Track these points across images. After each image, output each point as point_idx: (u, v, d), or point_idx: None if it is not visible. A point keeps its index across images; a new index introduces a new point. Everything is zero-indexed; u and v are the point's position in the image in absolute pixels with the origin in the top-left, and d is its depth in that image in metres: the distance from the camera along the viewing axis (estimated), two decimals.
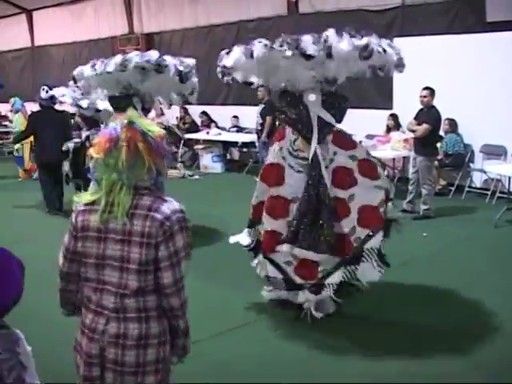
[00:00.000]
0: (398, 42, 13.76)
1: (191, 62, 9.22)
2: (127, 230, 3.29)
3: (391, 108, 14.16)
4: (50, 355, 5.40)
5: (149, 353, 3.37)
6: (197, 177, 16.20)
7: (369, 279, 6.68)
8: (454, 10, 13.56)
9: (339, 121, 7.16)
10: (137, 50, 21.21)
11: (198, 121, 19.08)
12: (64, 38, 24.99)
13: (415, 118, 11.26)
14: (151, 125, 3.38)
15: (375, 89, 14.88)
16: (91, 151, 3.35)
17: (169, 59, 8.81)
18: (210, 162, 17.37)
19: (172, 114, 19.44)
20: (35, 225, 11.40)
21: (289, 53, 6.09)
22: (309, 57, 6.11)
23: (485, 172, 12.64)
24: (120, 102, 8.98)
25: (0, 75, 26.53)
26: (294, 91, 6.66)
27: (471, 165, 13.16)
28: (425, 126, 10.96)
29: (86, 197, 3.44)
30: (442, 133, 12.42)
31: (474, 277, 8.21)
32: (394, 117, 13.97)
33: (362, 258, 6.58)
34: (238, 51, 6.87)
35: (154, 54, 8.74)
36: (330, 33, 6.17)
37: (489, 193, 12.50)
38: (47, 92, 11.88)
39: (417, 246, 9.61)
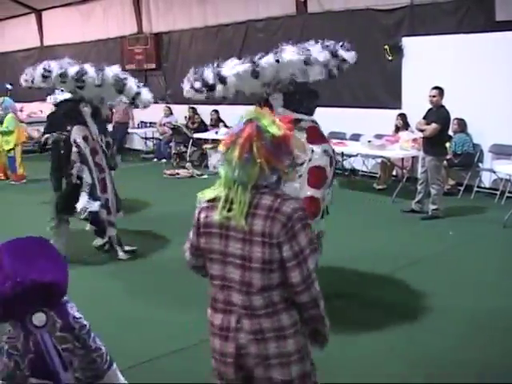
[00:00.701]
0: (407, 41, 13.88)
1: (116, 70, 9.45)
2: (247, 230, 3.26)
3: (400, 108, 14.13)
4: None
5: (289, 343, 3.36)
6: (205, 176, 16.20)
7: None
8: (462, 9, 13.50)
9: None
10: (145, 49, 21.39)
11: (207, 120, 19.08)
12: (73, 37, 25.01)
13: (424, 118, 11.24)
14: (274, 124, 3.28)
15: (384, 88, 14.87)
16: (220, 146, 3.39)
17: (90, 72, 8.93)
18: (218, 161, 17.36)
19: (181, 114, 19.48)
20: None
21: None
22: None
23: (494, 172, 12.60)
24: (68, 106, 9.37)
25: (9, 75, 26.67)
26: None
27: (480, 165, 13.11)
28: (434, 125, 10.93)
29: (208, 193, 3.48)
30: (450, 132, 12.40)
31: (483, 277, 8.19)
32: (402, 116, 13.95)
33: None
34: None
35: (72, 69, 8.86)
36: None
37: (498, 193, 12.45)
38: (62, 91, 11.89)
39: (425, 246, 9.60)
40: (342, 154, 14.88)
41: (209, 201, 3.44)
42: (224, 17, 18.91)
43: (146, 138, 21.24)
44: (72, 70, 8.82)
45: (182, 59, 20.05)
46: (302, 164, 6.70)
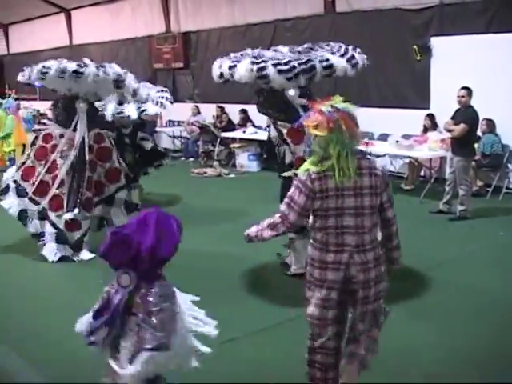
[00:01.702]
0: (436, 41, 13.81)
1: (117, 69, 9.50)
2: (358, 186, 4.53)
3: (428, 108, 14.06)
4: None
5: (381, 268, 4.71)
6: (233, 175, 16.23)
7: None
8: (492, 8, 13.41)
9: None
10: (174, 48, 21.45)
11: (236, 119, 19.11)
12: (102, 36, 25.17)
13: (452, 118, 11.17)
14: (347, 104, 4.72)
15: (412, 88, 14.82)
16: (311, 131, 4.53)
17: (90, 67, 9.11)
18: (246, 160, 17.38)
19: (209, 113, 19.53)
20: None
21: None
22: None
23: None
24: (64, 102, 9.71)
25: None
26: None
27: (509, 165, 13.03)
28: (462, 126, 10.87)
29: (311, 167, 4.53)
30: (479, 133, 12.33)
31: (510, 279, 8.14)
32: (430, 117, 13.87)
33: None
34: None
35: (70, 65, 9.05)
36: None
37: None
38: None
39: (453, 247, 9.56)
40: (370, 154, 14.82)
41: (318, 173, 4.49)
42: (252, 16, 18.93)
43: (174, 137, 21.28)
44: (71, 65, 9.03)
45: (210, 58, 19.99)
46: None
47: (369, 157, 4.76)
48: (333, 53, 7.99)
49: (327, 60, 7.74)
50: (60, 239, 9.45)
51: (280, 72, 7.46)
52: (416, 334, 6.53)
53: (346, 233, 4.55)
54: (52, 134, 9.94)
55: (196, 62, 21.29)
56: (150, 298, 3.92)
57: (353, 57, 8.03)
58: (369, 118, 15.20)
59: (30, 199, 9.58)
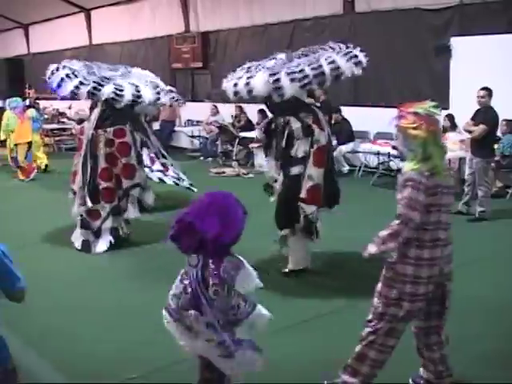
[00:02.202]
0: (456, 41, 13.74)
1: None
2: (450, 185, 4.99)
3: (448, 108, 13.99)
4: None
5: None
6: (251, 175, 16.22)
7: None
8: None
9: None
10: (192, 48, 21.48)
11: (254, 119, 19.11)
12: (121, 36, 25.27)
13: (472, 119, 11.12)
14: (425, 105, 4.94)
15: (432, 89, 14.75)
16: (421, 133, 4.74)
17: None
18: (264, 160, 17.33)
19: (227, 113, 19.53)
20: None
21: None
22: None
23: None
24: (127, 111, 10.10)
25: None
26: None
27: None
28: (482, 126, 10.81)
29: (419, 166, 4.73)
30: (499, 134, 12.26)
31: None
32: (450, 117, 13.80)
33: None
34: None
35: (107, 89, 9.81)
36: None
37: None
38: None
39: (472, 248, 9.49)
40: (389, 155, 14.80)
41: (427, 171, 4.71)
42: (271, 16, 18.93)
43: (193, 137, 21.32)
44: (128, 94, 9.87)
45: (229, 58, 20.10)
46: None
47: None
48: (338, 53, 8.19)
49: (333, 62, 7.88)
50: (83, 225, 9.95)
51: (293, 80, 7.65)
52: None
53: (440, 228, 4.86)
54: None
55: (215, 61, 21.32)
56: (223, 273, 4.26)
57: (356, 56, 8.16)
58: (388, 119, 15.26)
59: None
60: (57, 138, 22.88)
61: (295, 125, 8.08)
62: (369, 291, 7.67)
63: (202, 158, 19.75)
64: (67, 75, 9.93)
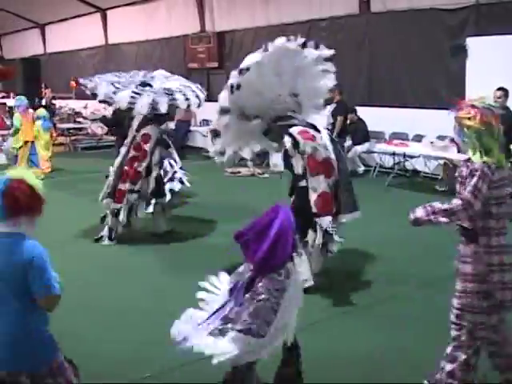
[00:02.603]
0: (472, 41, 13.69)
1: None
2: (509, 176, 5.03)
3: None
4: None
5: None
6: (266, 175, 16.22)
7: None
8: None
9: None
10: (208, 48, 21.51)
11: None
12: (137, 36, 25.34)
13: None
14: (484, 99, 5.40)
15: (447, 89, 14.71)
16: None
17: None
18: (279, 160, 17.31)
19: None
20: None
21: None
22: None
23: None
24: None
25: (74, 73, 27.12)
26: None
27: None
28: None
29: (485, 159, 4.87)
30: None
31: None
32: None
33: None
34: None
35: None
36: None
37: None
38: None
39: None
40: (404, 155, 14.78)
41: (494, 163, 4.87)
42: (287, 16, 18.91)
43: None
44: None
45: (245, 58, 20.13)
46: None
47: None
48: None
49: None
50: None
51: None
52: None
53: (501, 220, 4.96)
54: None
55: (230, 61, 21.30)
56: (259, 289, 4.51)
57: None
58: (403, 119, 15.25)
59: None
60: (72, 138, 22.96)
61: (287, 143, 8.01)
62: (382, 292, 7.70)
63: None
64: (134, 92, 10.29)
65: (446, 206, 4.89)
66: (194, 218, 11.73)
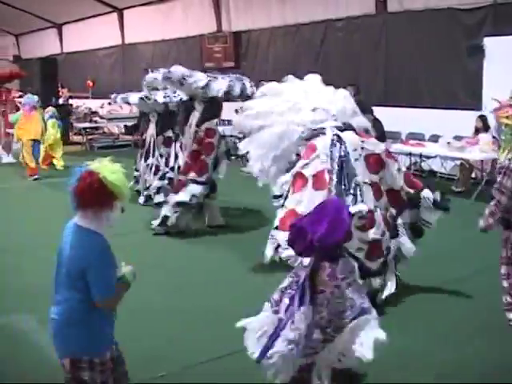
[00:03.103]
0: (489, 41, 13.63)
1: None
2: None
3: (480, 109, 13.88)
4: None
5: None
6: None
7: (408, 250, 7.44)
8: None
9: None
10: (224, 48, 21.53)
11: None
12: (153, 35, 25.40)
13: None
14: None
15: (464, 89, 14.66)
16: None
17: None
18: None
19: None
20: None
21: None
22: None
23: None
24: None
25: (91, 73, 27.21)
26: None
27: None
28: None
29: (510, 156, 5.20)
30: None
31: None
32: (482, 118, 13.67)
33: (398, 233, 7.35)
34: None
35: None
36: None
37: None
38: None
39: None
40: (421, 155, 14.73)
41: None
42: (303, 16, 18.90)
43: (224, 136, 21.29)
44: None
45: (261, 58, 20.15)
46: None
47: None
48: None
49: None
50: None
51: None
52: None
53: None
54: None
55: (247, 61, 21.35)
56: (339, 275, 4.73)
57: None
58: (420, 119, 15.19)
59: None
60: (89, 137, 23.04)
61: None
62: (400, 293, 7.66)
63: (233, 157, 19.74)
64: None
65: (488, 210, 5.73)
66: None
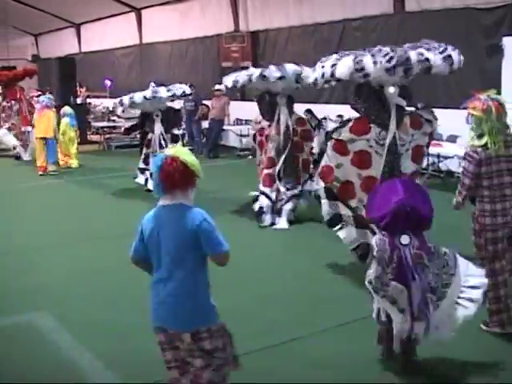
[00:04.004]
0: (508, 40, 13.55)
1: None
2: (506, 154, 6.17)
3: None
4: None
5: None
6: None
7: None
8: None
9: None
10: (242, 47, 21.54)
11: None
12: (171, 35, 25.45)
13: None
14: (498, 95, 6.34)
15: (483, 86, 14.56)
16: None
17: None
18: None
19: None
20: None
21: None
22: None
23: None
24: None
25: (109, 72, 27.31)
26: (373, 85, 7.92)
27: None
28: None
29: (474, 143, 6.12)
30: None
31: None
32: None
33: None
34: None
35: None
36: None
37: None
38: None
39: None
40: (438, 156, 14.68)
41: (480, 146, 6.08)
42: (321, 15, 18.89)
43: (242, 136, 21.34)
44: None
45: (278, 58, 20.08)
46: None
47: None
48: (428, 49, 8.11)
49: (422, 54, 7.81)
50: (274, 210, 11.28)
51: (376, 63, 7.53)
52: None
53: (505, 187, 6.24)
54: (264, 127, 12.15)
55: (264, 61, 21.31)
56: (429, 244, 5.42)
57: (449, 56, 8.18)
58: (437, 119, 15.13)
59: None
60: (106, 136, 23.12)
61: None
62: None
63: (250, 156, 19.77)
64: None
65: (457, 190, 6.37)
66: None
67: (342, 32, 18.16)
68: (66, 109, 18.20)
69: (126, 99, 13.30)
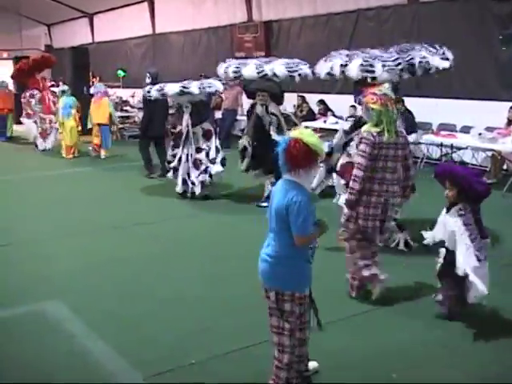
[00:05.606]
0: None
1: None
2: (397, 142, 6.98)
3: None
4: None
5: None
6: None
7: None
8: None
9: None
10: (255, 37, 21.50)
11: (315, 109, 19.08)
12: (184, 25, 25.42)
13: None
14: (387, 90, 7.15)
15: (496, 80, 14.54)
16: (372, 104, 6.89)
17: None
18: (326, 150, 17.28)
19: (289, 102, 19.50)
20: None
21: None
22: None
23: None
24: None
25: (122, 62, 27.32)
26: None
27: None
28: None
29: (372, 129, 6.87)
30: None
31: None
32: None
33: None
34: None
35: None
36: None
37: None
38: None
39: None
40: (452, 147, 14.65)
41: (377, 132, 6.85)
42: (334, 5, 18.83)
43: None
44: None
45: (292, 48, 20.07)
46: None
47: (401, 129, 7.29)
48: (429, 51, 9.04)
49: (425, 57, 8.89)
50: None
51: (386, 69, 8.75)
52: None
53: (386, 172, 7.02)
54: None
55: (278, 51, 21.27)
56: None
57: (443, 53, 9.20)
58: (451, 110, 15.10)
59: None
60: (120, 126, 23.12)
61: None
62: (423, 287, 7.64)
63: None
64: None
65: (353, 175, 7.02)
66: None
67: (356, 22, 18.10)
68: (71, 99, 18.78)
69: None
